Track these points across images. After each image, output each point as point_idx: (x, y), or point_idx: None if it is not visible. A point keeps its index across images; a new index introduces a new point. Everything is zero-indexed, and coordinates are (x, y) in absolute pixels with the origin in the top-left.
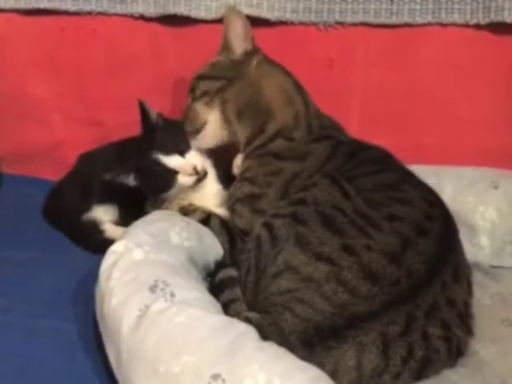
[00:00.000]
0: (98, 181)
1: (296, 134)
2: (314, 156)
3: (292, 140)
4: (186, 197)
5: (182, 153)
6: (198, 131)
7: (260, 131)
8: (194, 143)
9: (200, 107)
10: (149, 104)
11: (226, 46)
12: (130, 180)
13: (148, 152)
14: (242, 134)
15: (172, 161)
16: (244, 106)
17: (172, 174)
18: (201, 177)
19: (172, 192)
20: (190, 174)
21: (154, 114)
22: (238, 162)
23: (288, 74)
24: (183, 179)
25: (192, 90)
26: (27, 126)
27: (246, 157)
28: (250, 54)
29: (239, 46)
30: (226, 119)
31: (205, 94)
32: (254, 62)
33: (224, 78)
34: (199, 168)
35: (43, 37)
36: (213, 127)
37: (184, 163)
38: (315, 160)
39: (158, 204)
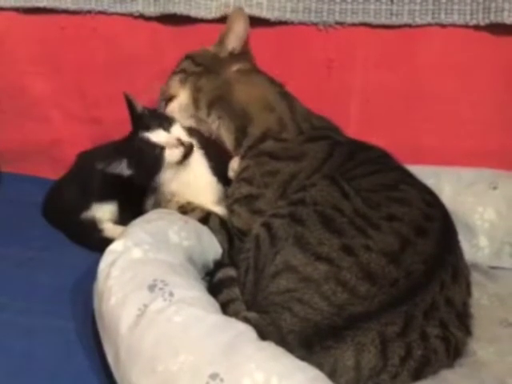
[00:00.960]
0: (97, 179)
1: (285, 135)
2: (311, 156)
3: (284, 141)
4: (181, 187)
5: (165, 128)
6: (166, 100)
7: (244, 133)
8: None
9: (175, 81)
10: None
11: (221, 41)
12: (123, 167)
13: (135, 135)
14: (224, 131)
15: (156, 135)
16: (215, 98)
17: (159, 150)
18: (187, 150)
19: (164, 174)
20: (175, 146)
21: (139, 105)
22: (233, 165)
23: (272, 81)
24: (170, 153)
25: (177, 64)
26: (27, 124)
27: (242, 157)
28: (235, 57)
29: (230, 46)
30: (194, 103)
31: (182, 71)
32: (236, 67)
33: (202, 65)
34: (183, 139)
35: (43, 35)
36: (179, 103)
37: (168, 136)
38: (312, 160)
39: (157, 201)
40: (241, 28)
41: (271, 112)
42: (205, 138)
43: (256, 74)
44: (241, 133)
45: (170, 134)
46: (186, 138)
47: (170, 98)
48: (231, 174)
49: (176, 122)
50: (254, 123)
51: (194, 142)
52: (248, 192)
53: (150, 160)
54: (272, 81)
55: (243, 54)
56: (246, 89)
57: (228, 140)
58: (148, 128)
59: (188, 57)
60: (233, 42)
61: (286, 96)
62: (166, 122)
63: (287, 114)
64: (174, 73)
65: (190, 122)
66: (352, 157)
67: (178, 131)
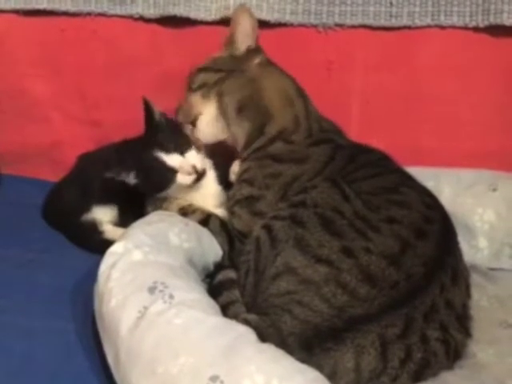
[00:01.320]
0: (97, 181)
1: (295, 136)
2: (313, 159)
3: (291, 143)
4: (185, 196)
5: (182, 152)
6: (192, 124)
7: (260, 132)
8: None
9: (196, 99)
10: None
11: (230, 42)
12: (131, 178)
13: (149, 150)
14: (241, 133)
15: (172, 159)
16: (243, 100)
17: (171, 172)
18: (199, 176)
19: (170, 191)
20: (189, 173)
21: (157, 112)
22: (234, 168)
23: (290, 77)
24: (182, 178)
25: (190, 82)
26: (27, 126)
27: (244, 159)
28: (252, 51)
29: (243, 43)
30: (222, 112)
31: (203, 85)
32: (257, 60)
33: (223, 70)
34: (198, 167)
35: (43, 37)
36: (207, 120)
37: (183, 162)
38: (314, 163)
39: (158, 204)
40: (248, 24)
41: (291, 108)
42: (213, 147)
43: (274, 67)
44: (257, 132)
45: (185, 159)
46: (200, 164)
47: (195, 119)
48: (232, 177)
49: (192, 147)
50: (274, 120)
51: (208, 162)
52: (249, 193)
53: (160, 179)
54: (287, 73)
55: (258, 48)
56: (269, 83)
57: (242, 140)
58: (164, 147)
59: (201, 70)
60: (245, 40)
61: (301, 92)
62: (182, 146)
63: (303, 112)
64: (192, 91)
65: (219, 136)
66: (353, 160)
67: (193, 157)
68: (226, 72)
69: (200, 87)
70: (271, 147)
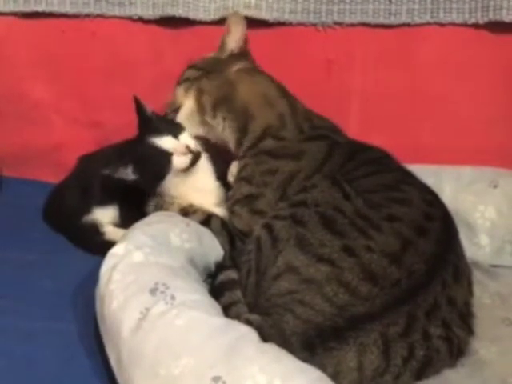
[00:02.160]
0: (97, 183)
1: (285, 133)
2: (309, 155)
3: (282, 139)
4: (184, 191)
5: (175, 135)
6: (174, 112)
7: (245, 131)
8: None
9: (180, 91)
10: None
11: (222, 45)
12: (129, 173)
13: (143, 139)
14: (226, 132)
15: (165, 142)
16: (219, 99)
17: (167, 156)
18: (195, 157)
19: (169, 179)
20: (184, 153)
21: (148, 109)
22: (233, 170)
23: (273, 80)
24: (178, 160)
25: (180, 76)
26: (27, 129)
27: (241, 158)
28: (234, 57)
29: (230, 48)
30: (200, 108)
31: (186, 80)
32: (237, 66)
33: (204, 69)
34: (192, 147)
35: (43, 39)
36: (186, 112)
37: (177, 143)
38: (310, 160)
39: (159, 204)
40: (238, 30)
41: (272, 108)
42: (210, 143)
43: (257, 72)
44: (243, 131)
45: (178, 141)
46: (194, 145)
47: (177, 110)
48: (231, 178)
49: (184, 130)
50: (255, 120)
51: (200, 146)
52: (248, 192)
53: (156, 166)
54: (273, 80)
55: (243, 54)
56: (247, 87)
57: (231, 140)
58: (156, 133)
59: (190, 66)
60: (231, 44)
61: (286, 94)
62: (174, 129)
63: (287, 111)
64: (179, 84)
65: (198, 130)
66: (352, 157)
67: (186, 139)
68: (204, 71)
69: (184, 81)
70: (262, 143)
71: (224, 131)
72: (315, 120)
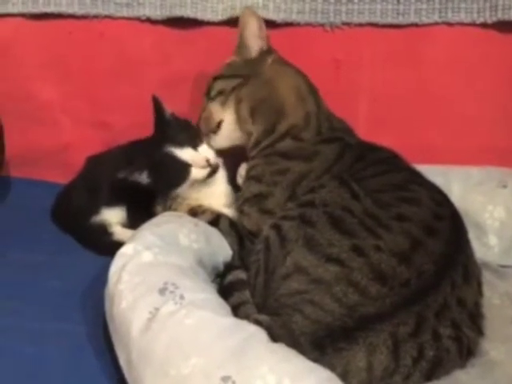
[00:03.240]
0: (106, 183)
1: (304, 134)
2: (322, 157)
3: (300, 140)
4: (196, 195)
5: (194, 146)
6: (214, 132)
7: (271, 131)
8: (210, 144)
9: (215, 107)
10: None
11: (241, 46)
12: (144, 177)
13: (161, 147)
14: (254, 133)
15: (185, 153)
16: (257, 104)
17: (185, 167)
18: (213, 170)
19: (184, 187)
20: (203, 167)
21: (167, 110)
22: (241, 171)
23: (302, 74)
24: (196, 172)
25: (208, 91)
26: (35, 129)
27: (252, 158)
28: (265, 53)
29: (255, 45)
30: (240, 118)
31: (220, 93)
32: (269, 60)
33: (239, 76)
34: (212, 161)
35: (51, 40)
36: (228, 126)
37: (197, 155)
38: (322, 161)
39: (167, 204)
40: (255, 26)
41: (303, 104)
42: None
43: (287, 65)
44: (269, 131)
45: (198, 153)
46: (213, 158)
47: (216, 126)
48: (239, 180)
49: (204, 141)
50: (286, 118)
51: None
52: (257, 191)
53: (174, 175)
54: (299, 71)
55: (269, 48)
56: (283, 81)
57: (252, 140)
58: (176, 142)
59: (216, 77)
60: (255, 42)
61: (313, 89)
62: (194, 139)
63: (314, 109)
64: (210, 99)
65: (236, 141)
66: (361, 158)
67: (206, 151)
68: (242, 77)
69: (218, 95)
70: (280, 144)
71: (254, 132)
72: (334, 121)
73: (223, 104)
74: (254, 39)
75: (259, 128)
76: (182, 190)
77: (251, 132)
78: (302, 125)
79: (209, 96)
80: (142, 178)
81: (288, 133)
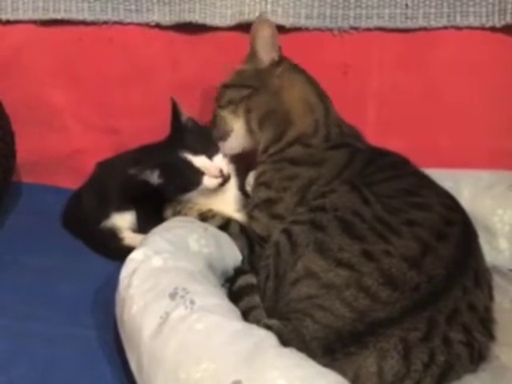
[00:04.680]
0: (116, 188)
1: (313, 141)
2: (331, 163)
3: (309, 147)
4: (206, 200)
5: (209, 155)
6: (224, 138)
7: (279, 138)
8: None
9: (226, 115)
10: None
11: (252, 55)
12: (155, 177)
13: (176, 150)
14: (262, 140)
15: (199, 161)
16: (266, 114)
17: (198, 174)
18: (224, 181)
19: (194, 194)
20: (216, 177)
21: (184, 114)
22: (250, 180)
23: (312, 81)
24: (208, 181)
25: (218, 98)
26: (46, 135)
27: (261, 163)
28: (276, 63)
29: (266, 55)
30: (249, 127)
31: (230, 102)
32: (279, 72)
33: (249, 86)
34: (225, 172)
35: (61, 47)
36: (238, 135)
37: (211, 165)
38: (332, 167)
39: (177, 209)
40: (267, 35)
41: (311, 113)
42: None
43: (296, 72)
44: (278, 138)
45: (212, 162)
46: (226, 169)
47: (227, 135)
48: (248, 188)
49: (219, 151)
50: (294, 127)
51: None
52: (267, 196)
53: (186, 181)
54: (310, 79)
55: (280, 57)
56: (292, 92)
57: (261, 147)
58: (191, 149)
59: (226, 86)
60: (267, 51)
61: (323, 98)
62: (210, 149)
63: (322, 117)
64: (221, 107)
65: (245, 148)
66: (371, 163)
67: (220, 161)
68: (251, 88)
69: (228, 104)
70: (289, 150)
71: (262, 139)
72: (344, 126)
73: (233, 113)
74: (265, 49)
75: (267, 136)
76: (192, 195)
77: (260, 139)
78: (311, 132)
79: (218, 104)
80: (153, 177)
81: (296, 140)
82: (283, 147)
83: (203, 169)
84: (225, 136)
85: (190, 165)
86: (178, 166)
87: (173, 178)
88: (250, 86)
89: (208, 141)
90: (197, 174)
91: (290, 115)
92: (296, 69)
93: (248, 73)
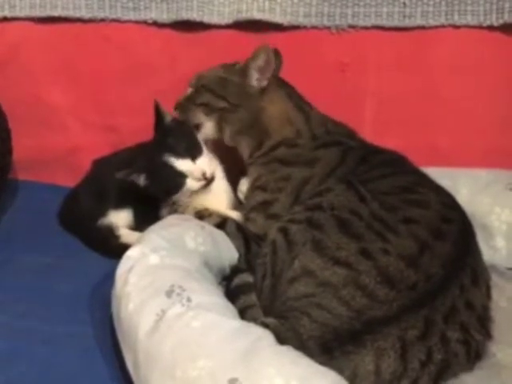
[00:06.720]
0: (113, 186)
1: (299, 141)
2: (323, 162)
3: (295, 146)
4: (196, 199)
5: (192, 158)
6: (196, 128)
7: (258, 148)
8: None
9: (198, 112)
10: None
11: (243, 71)
12: (141, 180)
13: (159, 154)
14: (242, 146)
15: (182, 164)
16: (240, 129)
17: (181, 177)
18: (208, 182)
19: (179, 195)
20: (199, 179)
21: (168, 115)
22: (242, 187)
23: (292, 94)
24: (191, 183)
25: (194, 90)
26: (44, 133)
27: (251, 164)
28: (263, 90)
29: (255, 80)
30: (220, 131)
31: (206, 104)
32: (264, 98)
33: (228, 102)
34: (208, 174)
35: (58, 44)
36: (207, 131)
37: (194, 168)
38: (324, 165)
39: (174, 207)
40: (264, 64)
41: (290, 126)
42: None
43: (277, 89)
44: (258, 147)
45: (195, 165)
46: (209, 172)
47: (196, 127)
48: (240, 195)
49: (203, 152)
50: (272, 137)
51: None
52: (263, 199)
53: (169, 183)
54: (290, 93)
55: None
56: (268, 110)
57: (245, 152)
58: (174, 151)
59: (207, 89)
60: (257, 77)
61: (302, 107)
62: (193, 151)
63: (302, 125)
64: (195, 104)
65: (215, 137)
66: (365, 160)
67: (203, 164)
68: (231, 105)
69: (203, 104)
70: (275, 153)
71: (239, 146)
72: (329, 125)
73: (206, 114)
74: (258, 76)
75: (246, 145)
76: (178, 197)
77: (239, 149)
78: (292, 137)
79: (193, 98)
80: (140, 180)
81: (279, 144)
82: (267, 151)
83: (186, 172)
84: (197, 126)
85: (173, 168)
86: (161, 170)
87: (157, 181)
88: (229, 102)
89: (192, 142)
90: (180, 177)
91: (267, 130)
92: (278, 85)
93: (231, 87)
